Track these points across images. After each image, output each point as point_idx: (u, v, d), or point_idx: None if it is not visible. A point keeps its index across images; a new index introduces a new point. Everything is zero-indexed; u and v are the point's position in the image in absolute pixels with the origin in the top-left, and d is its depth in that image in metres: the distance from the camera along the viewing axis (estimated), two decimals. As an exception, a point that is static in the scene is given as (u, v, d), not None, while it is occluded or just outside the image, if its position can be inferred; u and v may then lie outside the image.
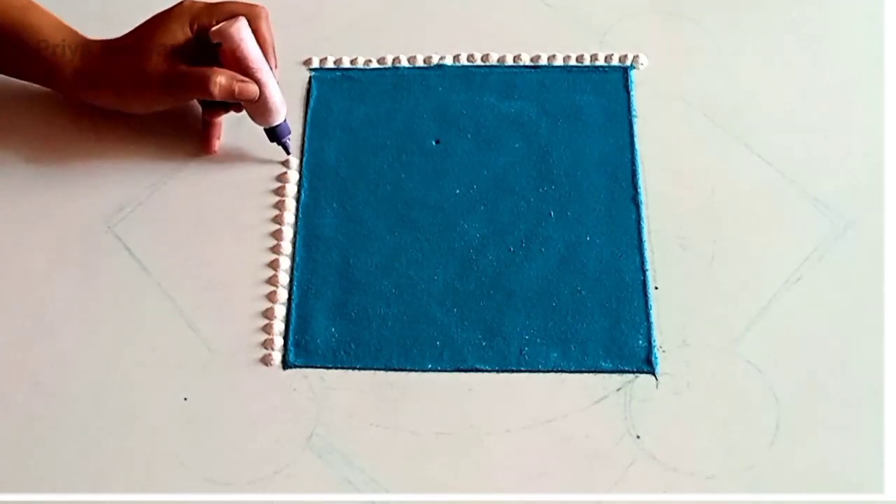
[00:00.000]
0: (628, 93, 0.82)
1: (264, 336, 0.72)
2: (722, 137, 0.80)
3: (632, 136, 0.80)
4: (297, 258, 0.76)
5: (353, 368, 0.71)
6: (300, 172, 0.80)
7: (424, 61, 0.85)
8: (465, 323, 0.72)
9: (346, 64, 0.85)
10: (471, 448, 0.67)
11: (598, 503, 0.65)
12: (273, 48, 0.78)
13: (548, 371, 0.70)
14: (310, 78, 0.84)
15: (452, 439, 0.68)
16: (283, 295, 0.74)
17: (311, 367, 0.71)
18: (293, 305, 0.73)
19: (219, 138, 0.80)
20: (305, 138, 0.81)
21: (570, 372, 0.70)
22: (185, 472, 0.67)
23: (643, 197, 0.77)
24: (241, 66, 0.76)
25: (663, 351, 0.71)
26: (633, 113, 0.81)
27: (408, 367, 0.71)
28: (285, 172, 0.79)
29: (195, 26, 0.76)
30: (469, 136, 0.81)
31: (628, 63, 0.84)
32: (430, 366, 0.71)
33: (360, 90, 0.84)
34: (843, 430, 0.67)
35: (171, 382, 0.70)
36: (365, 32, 0.87)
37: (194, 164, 0.80)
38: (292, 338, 0.72)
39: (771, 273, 0.73)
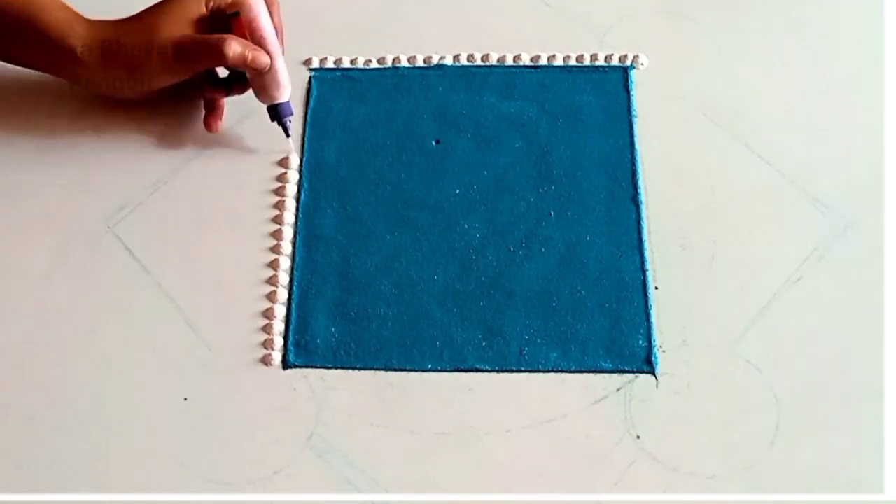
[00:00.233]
0: (628, 93, 0.82)
1: (264, 336, 0.72)
2: (722, 137, 0.80)
3: (632, 136, 0.80)
4: (297, 258, 0.76)
5: (353, 368, 0.71)
6: (300, 172, 0.80)
7: (424, 61, 0.85)
8: (465, 323, 0.72)
9: (346, 64, 0.85)
10: (470, 448, 0.67)
11: (598, 503, 0.65)
12: (282, 34, 0.80)
13: (548, 371, 0.70)
14: (310, 78, 0.85)
15: (452, 439, 0.68)
16: (283, 295, 0.74)
17: (311, 367, 0.71)
18: (293, 305, 0.73)
19: (221, 119, 0.81)
20: (305, 138, 0.81)
21: (570, 372, 0.70)
22: (185, 472, 0.67)
23: (643, 197, 0.77)
24: (255, 37, 0.77)
25: (663, 351, 0.71)
26: (633, 113, 0.81)
27: (408, 367, 0.71)
28: (285, 172, 0.79)
29: (211, 4, 0.78)
30: (469, 136, 0.81)
31: (628, 63, 0.84)
32: (430, 366, 0.71)
33: (360, 90, 0.84)
34: (843, 430, 0.67)
35: (171, 382, 0.70)
36: (365, 32, 0.87)
37: (194, 165, 0.80)
38: (292, 338, 0.72)
39: (771, 273, 0.73)
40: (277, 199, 0.78)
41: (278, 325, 0.73)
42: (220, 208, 0.78)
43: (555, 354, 0.71)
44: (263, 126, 0.81)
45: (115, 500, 0.66)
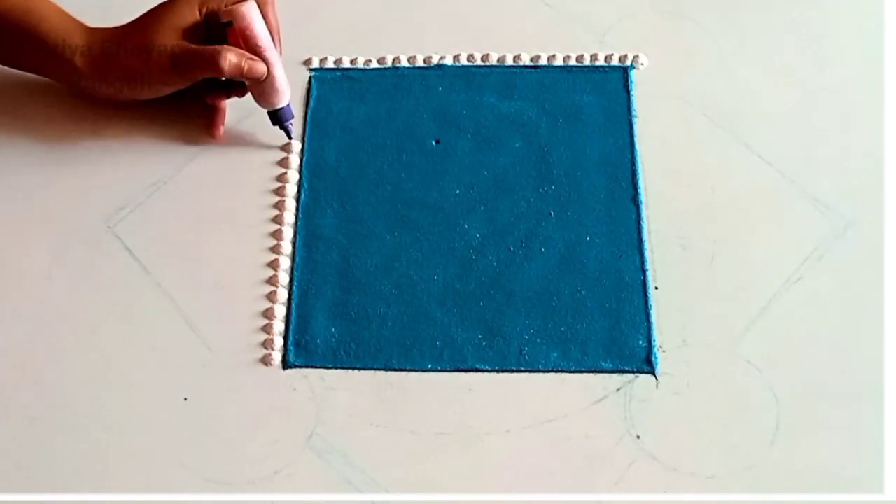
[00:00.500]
0: (628, 93, 0.82)
1: (264, 336, 0.72)
2: (722, 137, 0.80)
3: (632, 136, 0.80)
4: (297, 258, 0.76)
5: (353, 368, 0.71)
6: (300, 172, 0.80)
7: (424, 61, 0.85)
8: (465, 323, 0.72)
9: (346, 64, 0.85)
10: (470, 448, 0.67)
11: (598, 503, 0.65)
12: (279, 34, 0.80)
13: (548, 371, 0.70)
14: (310, 78, 0.85)
15: (452, 439, 0.68)
16: (283, 295, 0.74)
17: (311, 367, 0.71)
18: (293, 305, 0.73)
19: (223, 124, 0.81)
20: (305, 138, 0.81)
21: (570, 372, 0.70)
22: (185, 472, 0.67)
23: (643, 197, 0.77)
24: (249, 45, 0.77)
25: (663, 351, 0.71)
26: (633, 113, 0.81)
27: (408, 367, 0.71)
28: (285, 172, 0.79)
29: (204, 9, 0.78)
30: (469, 136, 0.81)
31: (628, 63, 0.84)
32: (430, 366, 0.71)
33: (360, 90, 0.84)
34: (843, 430, 0.67)
35: (171, 382, 0.70)
36: (365, 32, 0.87)
37: (194, 165, 0.80)
38: (292, 338, 0.72)
39: (771, 273, 0.73)
40: (277, 199, 0.78)
41: (278, 325, 0.73)
42: (220, 208, 0.78)
43: (555, 354, 0.71)
44: (263, 126, 0.81)
45: (115, 500, 0.66)
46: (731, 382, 0.69)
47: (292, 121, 0.80)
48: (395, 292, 0.74)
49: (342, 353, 0.72)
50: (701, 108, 0.82)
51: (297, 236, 0.77)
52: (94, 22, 0.79)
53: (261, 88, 0.78)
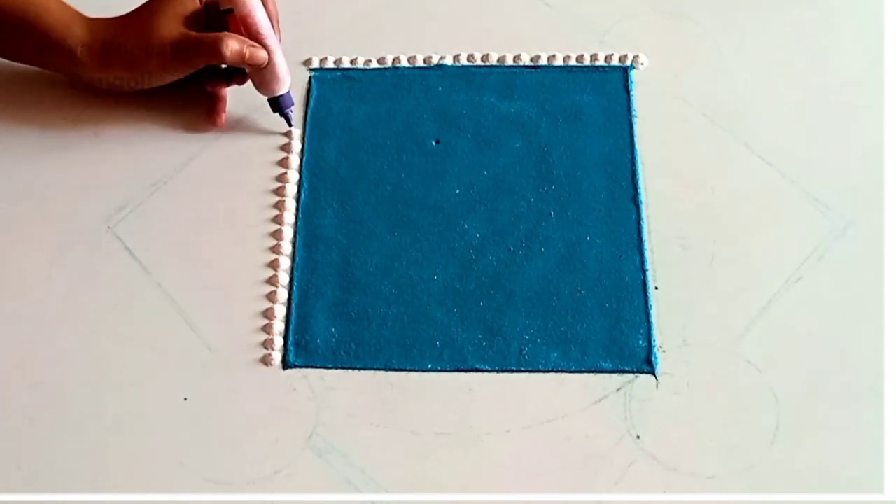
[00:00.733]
0: (628, 93, 0.82)
1: (264, 336, 0.72)
2: (722, 137, 0.80)
3: (632, 136, 0.80)
4: (297, 258, 0.76)
5: (353, 368, 0.71)
6: (300, 172, 0.80)
7: (424, 61, 0.85)
8: (465, 323, 0.72)
9: (346, 64, 0.85)
10: (470, 448, 0.67)
11: (598, 503, 0.65)
12: (278, 21, 0.80)
13: (548, 371, 0.70)
14: (310, 78, 0.85)
15: (452, 439, 0.68)
16: (283, 295, 0.74)
17: (311, 367, 0.71)
18: (293, 305, 0.73)
19: (225, 111, 0.81)
20: (305, 138, 0.81)
21: (570, 372, 0.70)
22: (185, 472, 0.67)
23: (643, 197, 0.77)
24: (250, 33, 0.78)
25: (663, 351, 0.71)
26: (633, 113, 0.81)
27: (408, 367, 0.71)
28: (285, 172, 0.79)
29: None
30: (469, 136, 0.81)
31: (628, 63, 0.84)
32: (430, 366, 0.71)
33: (360, 90, 0.84)
34: (843, 430, 0.67)
35: (171, 382, 0.70)
36: (365, 32, 0.87)
37: (194, 165, 0.80)
38: (292, 338, 0.72)
39: (771, 273, 0.73)
40: (277, 199, 0.78)
41: (278, 325, 0.73)
42: (220, 208, 0.78)
43: (555, 354, 0.71)
44: (263, 126, 0.81)
45: (115, 500, 0.66)
46: (731, 382, 0.69)
47: (292, 108, 0.80)
48: (395, 292, 0.74)
49: (342, 353, 0.72)
50: (701, 108, 0.82)
51: (297, 236, 0.77)
52: (94, 13, 0.79)
53: (261, 75, 0.79)
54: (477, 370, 0.71)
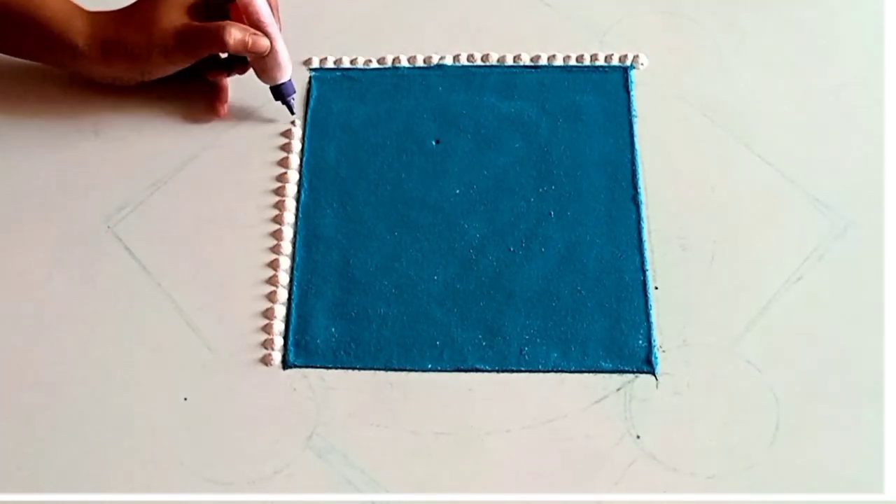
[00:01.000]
0: (628, 93, 0.82)
1: (264, 336, 0.72)
2: (722, 137, 0.80)
3: (632, 136, 0.80)
4: (297, 258, 0.76)
5: (353, 368, 0.71)
6: (300, 172, 0.80)
7: (424, 61, 0.85)
8: (465, 323, 0.72)
9: (346, 64, 0.85)
10: (470, 448, 0.67)
11: (598, 503, 0.65)
12: (278, 9, 0.81)
13: (548, 371, 0.70)
14: (310, 78, 0.85)
15: (452, 439, 0.68)
16: (283, 295, 0.74)
17: (311, 367, 0.71)
18: (293, 305, 0.73)
19: (227, 101, 0.82)
20: (305, 138, 0.81)
21: (570, 372, 0.70)
22: (185, 472, 0.67)
23: (643, 197, 0.77)
24: (252, 21, 0.78)
25: (663, 351, 0.71)
26: (633, 113, 0.81)
27: (408, 367, 0.71)
28: (285, 172, 0.79)
29: None
30: (469, 136, 0.81)
31: (628, 63, 0.84)
32: (430, 366, 0.71)
33: (360, 90, 0.84)
34: (843, 430, 0.67)
35: (171, 382, 0.70)
36: (365, 32, 0.87)
37: (194, 164, 0.80)
38: (292, 338, 0.72)
39: (771, 273, 0.73)
40: (277, 199, 0.78)
41: (278, 325, 0.73)
42: (220, 208, 0.78)
43: (555, 354, 0.71)
44: (263, 126, 0.81)
45: (115, 500, 0.66)
46: (731, 382, 0.69)
47: (294, 95, 0.81)
48: (395, 292, 0.74)
49: (342, 353, 0.72)
50: (701, 108, 0.82)
51: (297, 236, 0.77)
52: (94, 6, 0.79)
53: (263, 64, 0.79)
54: (477, 370, 0.71)
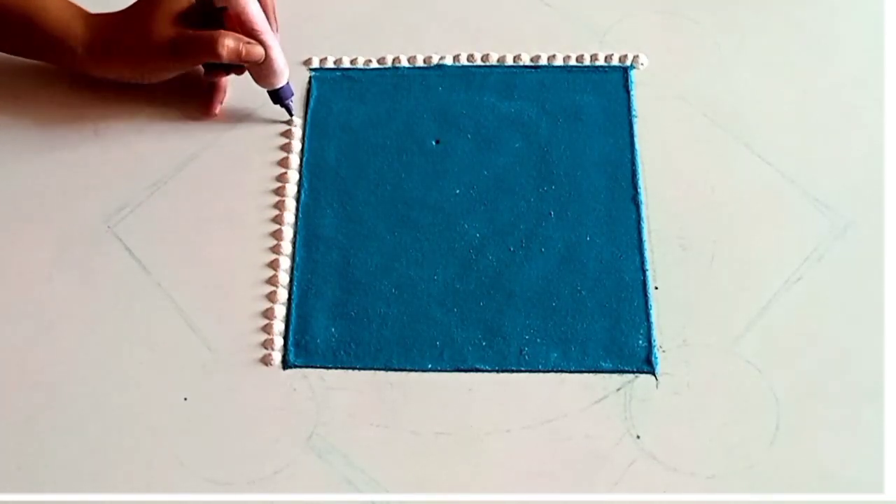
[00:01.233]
0: (628, 93, 0.82)
1: (264, 336, 0.72)
2: (722, 137, 0.80)
3: (632, 136, 0.80)
4: (297, 258, 0.76)
5: (353, 368, 0.71)
6: (300, 172, 0.80)
7: (424, 61, 0.85)
8: (465, 323, 0.72)
9: (346, 64, 0.85)
10: (471, 448, 0.67)
11: (597, 503, 0.65)
12: (274, 11, 0.81)
13: (548, 371, 0.70)
14: (310, 78, 0.85)
15: (452, 439, 0.68)
16: (283, 295, 0.74)
17: (311, 367, 0.71)
18: (293, 305, 0.73)
19: (221, 102, 0.82)
20: (305, 138, 0.81)
21: (570, 372, 0.70)
22: (185, 472, 0.67)
23: (643, 197, 0.77)
24: (245, 29, 0.78)
25: (663, 351, 0.71)
26: (633, 113, 0.81)
27: (408, 367, 0.71)
28: (285, 172, 0.79)
29: None
30: (469, 136, 0.81)
31: (628, 63, 0.84)
32: (430, 366, 0.71)
33: (360, 90, 0.84)
34: (843, 430, 0.67)
35: (171, 382, 0.70)
36: (365, 32, 0.87)
37: (194, 164, 0.80)
38: (292, 338, 0.72)
39: (771, 273, 0.73)
40: (277, 199, 0.78)
41: (278, 325, 0.73)
42: (220, 208, 0.78)
43: (555, 354, 0.71)
44: (263, 126, 0.81)
45: (115, 500, 0.66)
46: (730, 382, 0.69)
47: (293, 98, 0.81)
48: (395, 292, 0.74)
49: (342, 353, 0.72)
50: (701, 108, 0.82)
51: (297, 236, 0.77)
52: (94, 7, 0.79)
53: (259, 70, 0.79)
54: (477, 370, 0.71)
